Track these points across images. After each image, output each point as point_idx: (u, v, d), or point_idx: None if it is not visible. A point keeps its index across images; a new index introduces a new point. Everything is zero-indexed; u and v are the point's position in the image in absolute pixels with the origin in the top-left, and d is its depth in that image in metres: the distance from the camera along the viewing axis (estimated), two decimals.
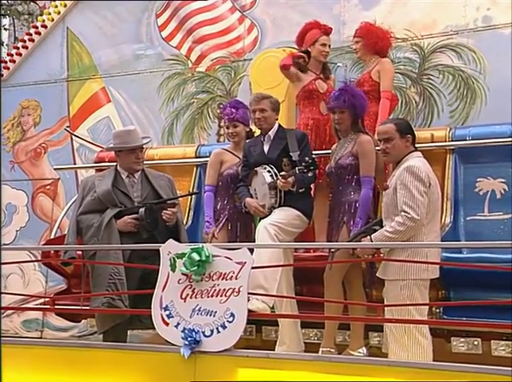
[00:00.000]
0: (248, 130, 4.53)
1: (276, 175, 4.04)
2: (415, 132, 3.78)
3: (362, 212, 3.89)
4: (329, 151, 4.35)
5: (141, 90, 6.43)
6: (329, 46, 4.83)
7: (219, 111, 5.90)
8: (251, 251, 3.47)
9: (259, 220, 4.14)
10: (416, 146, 4.19)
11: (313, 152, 4.45)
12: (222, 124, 5.88)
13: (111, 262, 3.85)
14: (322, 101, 4.72)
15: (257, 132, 4.55)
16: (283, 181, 3.91)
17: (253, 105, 4.19)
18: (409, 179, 3.53)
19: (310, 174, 3.92)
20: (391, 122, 3.81)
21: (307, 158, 3.90)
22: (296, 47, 5.09)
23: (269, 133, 4.21)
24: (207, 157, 4.72)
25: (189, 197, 4.99)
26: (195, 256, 3.33)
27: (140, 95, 6.43)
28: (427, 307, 3.55)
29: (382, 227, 3.63)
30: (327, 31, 4.82)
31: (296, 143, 4.05)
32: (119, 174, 4.17)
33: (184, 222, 4.71)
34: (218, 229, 4.32)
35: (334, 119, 4.12)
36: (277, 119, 4.28)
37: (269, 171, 4.08)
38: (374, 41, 4.71)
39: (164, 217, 4.02)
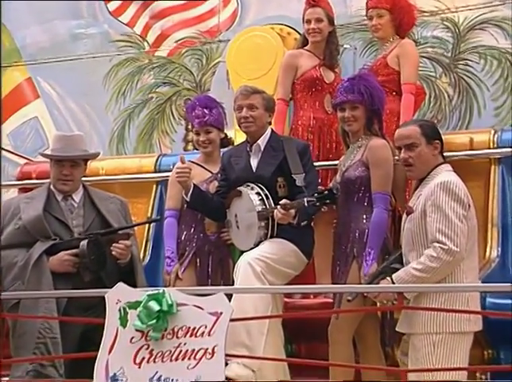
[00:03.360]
0: (223, 136, 4.56)
1: (267, 198, 4.06)
2: (443, 138, 3.83)
3: (373, 241, 3.91)
4: (336, 162, 4.38)
5: (81, 81, 6.46)
6: (318, 20, 4.84)
7: (185, 110, 5.92)
8: (229, 296, 3.47)
9: (240, 254, 4.15)
10: (451, 153, 4.20)
11: (316, 163, 4.47)
12: (190, 127, 5.90)
13: (41, 315, 3.81)
14: (328, 94, 4.78)
15: (239, 138, 4.59)
16: (282, 212, 3.91)
17: (239, 100, 4.21)
18: (444, 199, 3.56)
19: (324, 208, 3.92)
20: (414, 123, 3.84)
21: (321, 187, 3.91)
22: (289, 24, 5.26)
23: (259, 141, 4.23)
24: (170, 171, 4.74)
25: (146, 226, 5.01)
26: (154, 305, 3.32)
27: (79, 88, 6.46)
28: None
29: (402, 263, 3.66)
30: (309, 1, 4.89)
31: (299, 158, 4.08)
32: (53, 195, 4.17)
33: (142, 255, 4.75)
34: (183, 267, 4.34)
35: (343, 119, 4.15)
36: (270, 123, 4.31)
37: (258, 193, 4.09)
38: (401, 16, 4.79)
39: (114, 253, 4.01)
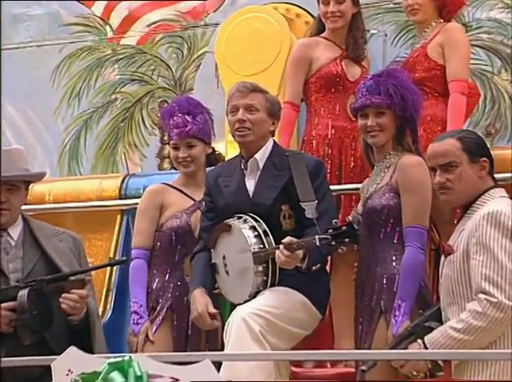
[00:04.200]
0: (210, 151, 4.60)
1: (266, 235, 4.08)
2: (498, 153, 3.87)
3: (405, 290, 3.93)
4: (359, 186, 4.44)
5: (22, 78, 6.50)
6: (339, 0, 4.86)
7: (160, 117, 5.94)
8: (218, 365, 3.45)
9: (232, 307, 4.17)
10: (508, 175, 4.23)
11: (335, 187, 4.55)
12: (166, 139, 5.92)
13: None
14: (352, 96, 4.82)
15: (231, 154, 4.65)
16: (285, 253, 3.91)
17: (234, 99, 4.26)
18: (492, 235, 3.56)
19: (342, 249, 3.90)
20: (452, 136, 3.83)
21: (336, 221, 3.92)
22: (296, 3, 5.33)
23: (257, 156, 4.25)
24: (139, 196, 4.80)
25: (107, 271, 5.05)
26: (117, 378, 3.31)
27: (20, 86, 6.48)
28: None
29: (440, 321, 3.66)
30: None
31: (309, 180, 4.11)
32: None
33: (100, 313, 4.75)
34: (155, 326, 4.37)
35: (364, 128, 4.19)
36: (273, 134, 4.35)
37: (253, 227, 4.09)
38: None
39: (63, 306, 4.00)
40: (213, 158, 4.64)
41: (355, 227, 3.89)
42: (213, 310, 4.12)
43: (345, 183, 4.76)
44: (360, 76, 4.91)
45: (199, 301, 4.13)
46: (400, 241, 4.05)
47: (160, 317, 4.39)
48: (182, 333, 4.39)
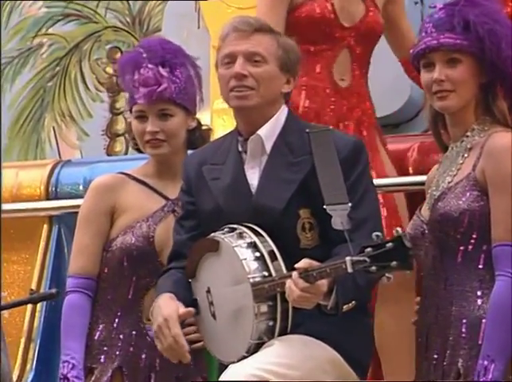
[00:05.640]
0: (194, 125, 4.63)
1: (273, 257, 4.09)
2: None
3: (495, 343, 3.93)
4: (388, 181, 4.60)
5: None
6: None
7: (119, 69, 5.88)
8: None
9: (221, 367, 4.16)
10: None
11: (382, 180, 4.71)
12: (120, 107, 5.93)
13: None
14: (345, 50, 4.96)
15: (218, 127, 4.74)
16: (301, 285, 3.91)
17: (229, 43, 4.28)
18: None
19: (388, 278, 3.78)
20: None
21: (377, 234, 3.79)
22: None
23: (261, 132, 4.27)
24: (79, 196, 4.93)
25: (28, 312, 5.15)
26: None
27: None
28: None
29: None
30: None
31: (341, 171, 4.13)
32: None
33: (16, 377, 4.90)
34: None
35: (429, 86, 4.15)
36: (286, 100, 4.40)
37: (252, 245, 4.12)
38: None
39: None
40: (198, 136, 4.67)
41: (407, 244, 3.79)
42: (185, 311, 4.11)
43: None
44: (364, 17, 4.96)
45: (166, 304, 4.11)
46: (488, 267, 4.03)
47: (106, 380, 4.42)
48: None
